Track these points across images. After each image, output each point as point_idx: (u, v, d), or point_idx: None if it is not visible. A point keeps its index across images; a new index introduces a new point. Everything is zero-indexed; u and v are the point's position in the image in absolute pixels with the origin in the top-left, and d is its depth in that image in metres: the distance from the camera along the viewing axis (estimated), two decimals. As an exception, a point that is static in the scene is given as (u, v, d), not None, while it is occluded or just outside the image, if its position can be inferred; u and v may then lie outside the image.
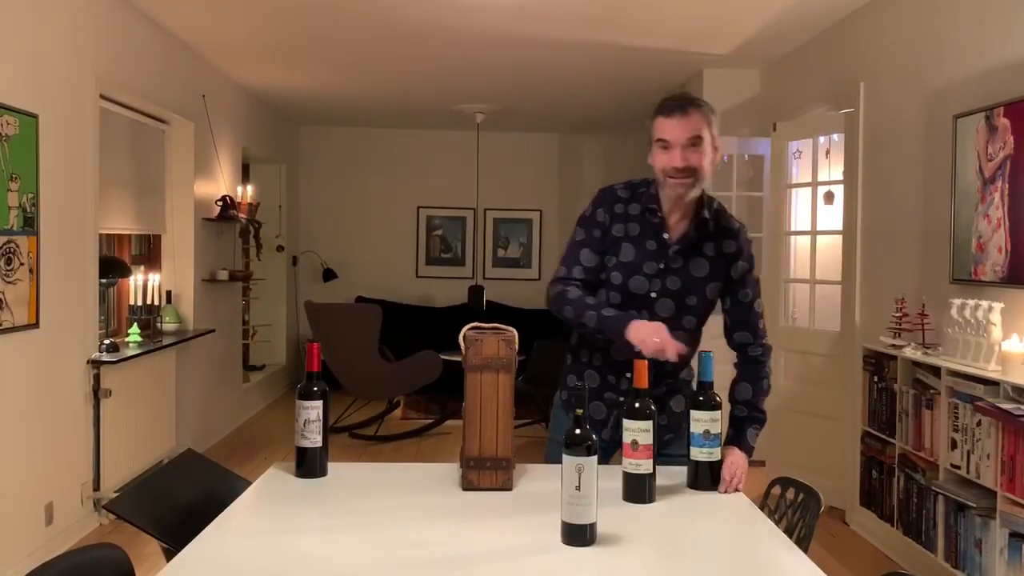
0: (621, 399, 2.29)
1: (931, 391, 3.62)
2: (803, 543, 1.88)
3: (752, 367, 2.30)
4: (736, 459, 2.15)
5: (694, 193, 2.18)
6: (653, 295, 2.23)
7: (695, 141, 2.13)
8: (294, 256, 8.79)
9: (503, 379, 2.05)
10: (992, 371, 3.21)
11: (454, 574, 1.56)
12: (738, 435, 2.24)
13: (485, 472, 2.03)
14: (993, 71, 3.50)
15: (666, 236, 2.23)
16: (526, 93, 7.04)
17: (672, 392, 2.35)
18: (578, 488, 1.66)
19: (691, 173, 2.14)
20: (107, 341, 4.49)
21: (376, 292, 8.89)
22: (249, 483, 2.12)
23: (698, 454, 2.07)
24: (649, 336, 2.05)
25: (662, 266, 2.23)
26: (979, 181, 3.52)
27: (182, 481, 2.18)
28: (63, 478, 4.06)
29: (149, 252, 5.67)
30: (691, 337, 2.29)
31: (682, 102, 2.14)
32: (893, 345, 3.92)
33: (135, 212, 5.19)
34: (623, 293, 2.24)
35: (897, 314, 3.97)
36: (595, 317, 2.17)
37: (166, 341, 5.06)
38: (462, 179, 8.95)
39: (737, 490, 2.08)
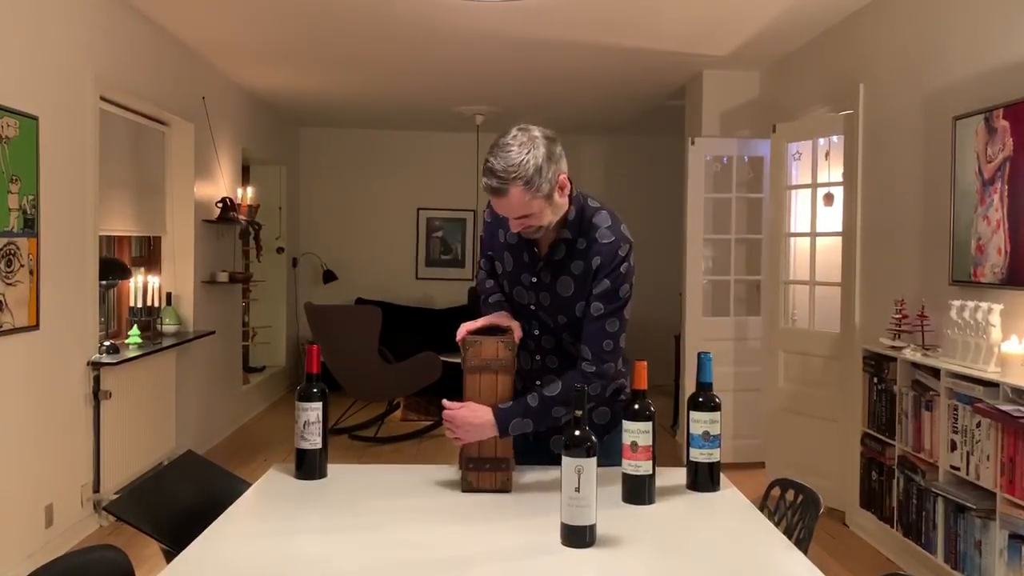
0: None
1: (931, 392, 3.62)
2: (803, 544, 1.88)
3: (576, 378, 2.07)
4: (474, 412, 2.02)
5: (551, 226, 2.08)
6: (532, 307, 2.19)
7: (525, 216, 2.01)
8: (294, 258, 8.79)
9: (502, 381, 2.05)
10: (991, 372, 3.21)
11: (453, 575, 1.56)
12: (510, 406, 2.04)
13: (484, 473, 2.03)
14: (992, 73, 3.50)
15: (536, 249, 2.16)
16: (526, 95, 7.05)
17: (596, 401, 2.18)
18: (577, 490, 1.66)
19: (536, 227, 2.04)
20: (107, 343, 4.49)
21: (376, 293, 8.89)
22: (249, 485, 2.12)
23: (697, 455, 2.07)
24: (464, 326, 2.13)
25: (535, 280, 2.16)
26: (978, 183, 3.52)
27: (182, 483, 2.18)
28: (63, 480, 4.06)
29: (149, 254, 5.68)
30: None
31: (499, 184, 1.95)
32: (893, 346, 3.92)
33: (135, 214, 5.19)
34: (513, 303, 2.24)
35: (897, 315, 3.97)
36: (483, 303, 2.31)
37: (166, 343, 5.06)
38: (462, 181, 8.95)
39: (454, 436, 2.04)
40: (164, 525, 1.94)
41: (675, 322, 6.67)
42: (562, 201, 2.06)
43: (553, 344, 2.21)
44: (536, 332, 2.21)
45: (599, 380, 2.10)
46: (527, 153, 1.95)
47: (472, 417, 2.03)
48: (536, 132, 2.00)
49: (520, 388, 2.22)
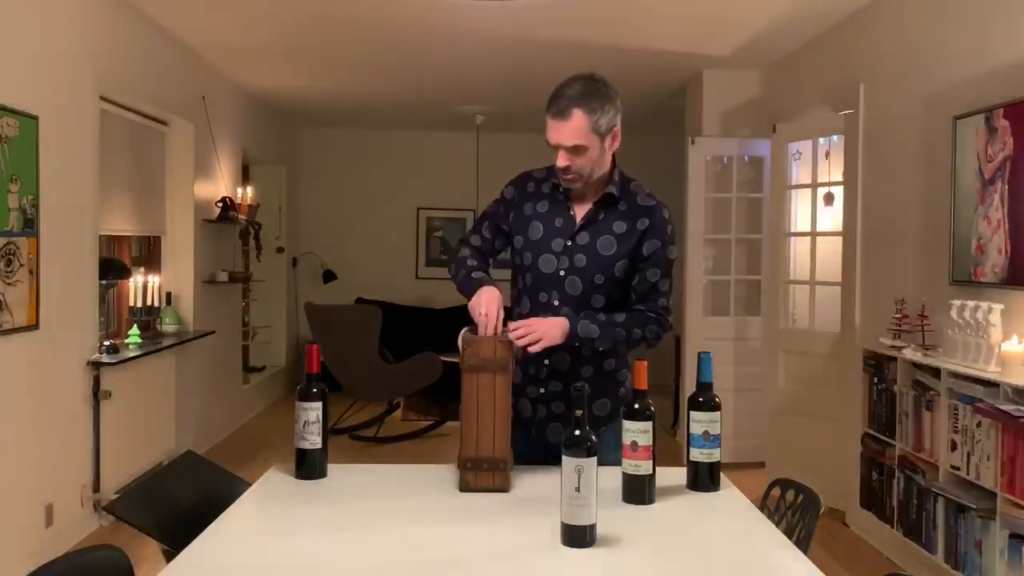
0: (542, 390, 2.27)
1: (931, 392, 3.62)
2: (803, 544, 1.88)
3: (638, 315, 2.22)
4: (546, 321, 2.11)
5: (591, 179, 2.19)
6: (562, 273, 2.22)
7: (577, 148, 2.12)
8: (294, 257, 8.79)
9: (500, 380, 2.05)
10: (992, 372, 3.21)
11: (453, 575, 1.56)
12: (578, 318, 2.15)
13: (482, 473, 2.03)
14: (993, 72, 3.50)
15: (572, 212, 2.24)
16: (526, 94, 7.03)
17: (597, 393, 2.24)
18: (577, 489, 1.66)
19: (578, 172, 2.16)
20: (107, 342, 4.49)
21: (376, 293, 8.89)
22: (249, 484, 2.12)
23: (697, 455, 2.07)
24: (478, 305, 2.12)
25: (569, 242, 2.22)
26: (979, 182, 3.52)
27: (182, 483, 2.18)
28: (63, 480, 4.06)
29: (149, 253, 5.68)
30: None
31: (566, 103, 2.11)
32: (893, 346, 3.92)
33: (135, 213, 5.19)
34: (534, 273, 2.26)
35: (897, 315, 3.97)
36: (462, 277, 2.28)
37: (166, 342, 5.06)
38: (462, 180, 8.95)
39: (526, 346, 2.06)
40: (164, 525, 1.94)
41: (675, 322, 6.66)
42: (608, 156, 2.19)
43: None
44: (556, 303, 2.22)
45: (659, 327, 2.24)
46: (594, 86, 2.12)
47: (543, 320, 2.12)
48: (599, 79, 2.16)
49: (519, 385, 2.22)
